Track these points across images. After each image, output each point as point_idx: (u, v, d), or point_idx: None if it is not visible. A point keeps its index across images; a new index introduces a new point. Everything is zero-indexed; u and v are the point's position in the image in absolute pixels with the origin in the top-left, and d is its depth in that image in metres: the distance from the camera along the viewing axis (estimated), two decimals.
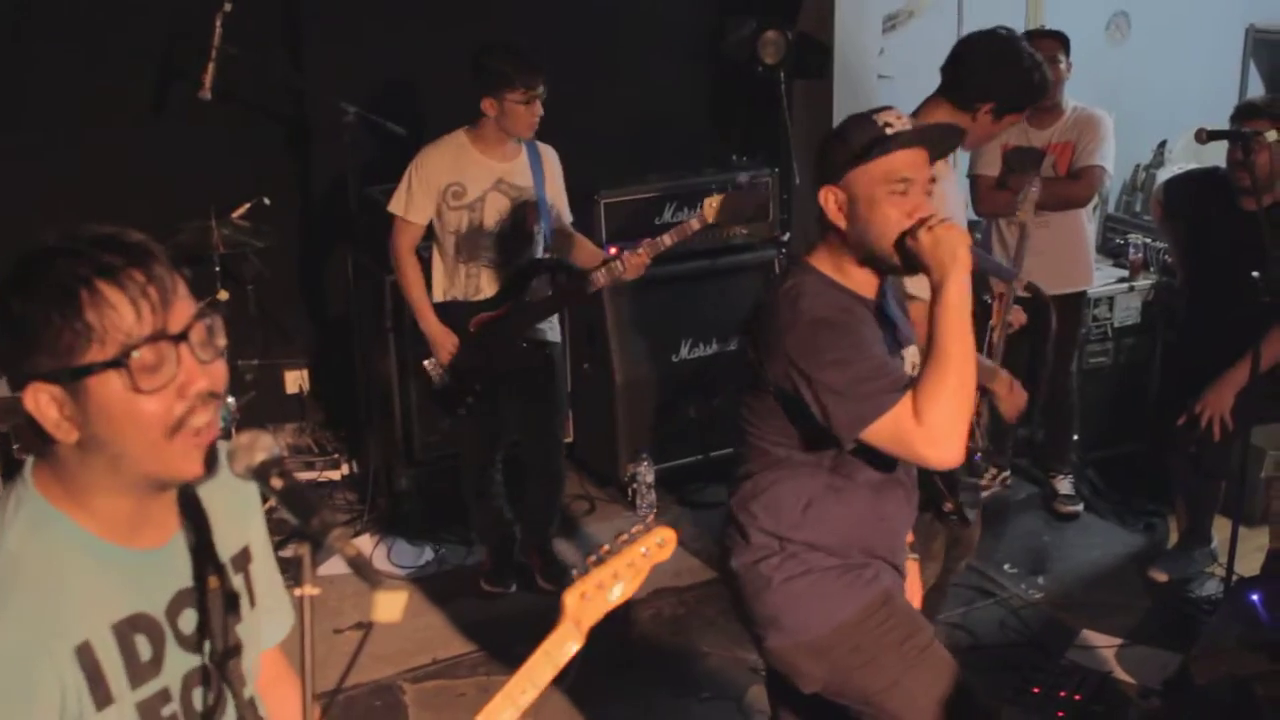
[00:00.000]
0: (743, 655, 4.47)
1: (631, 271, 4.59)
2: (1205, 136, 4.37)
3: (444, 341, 4.74)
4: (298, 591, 1.59)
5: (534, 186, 4.79)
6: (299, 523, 1.59)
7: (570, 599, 2.24)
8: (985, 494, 5.58)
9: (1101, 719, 4.29)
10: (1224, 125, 4.68)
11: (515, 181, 4.76)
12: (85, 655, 1.64)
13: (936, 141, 2.86)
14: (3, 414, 4.42)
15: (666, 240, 4.59)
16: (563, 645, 2.22)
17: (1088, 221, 5.59)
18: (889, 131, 2.72)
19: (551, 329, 4.94)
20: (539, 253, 4.86)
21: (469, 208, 4.71)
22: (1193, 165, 6.35)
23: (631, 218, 5.45)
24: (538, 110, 4.64)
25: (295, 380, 5.90)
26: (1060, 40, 5.39)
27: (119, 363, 1.58)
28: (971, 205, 5.43)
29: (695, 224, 4.56)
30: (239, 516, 1.92)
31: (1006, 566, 5.25)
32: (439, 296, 4.82)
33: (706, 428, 5.75)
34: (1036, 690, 4.35)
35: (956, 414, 2.62)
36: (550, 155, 4.87)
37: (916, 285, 3.53)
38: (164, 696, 1.75)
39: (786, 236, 6.10)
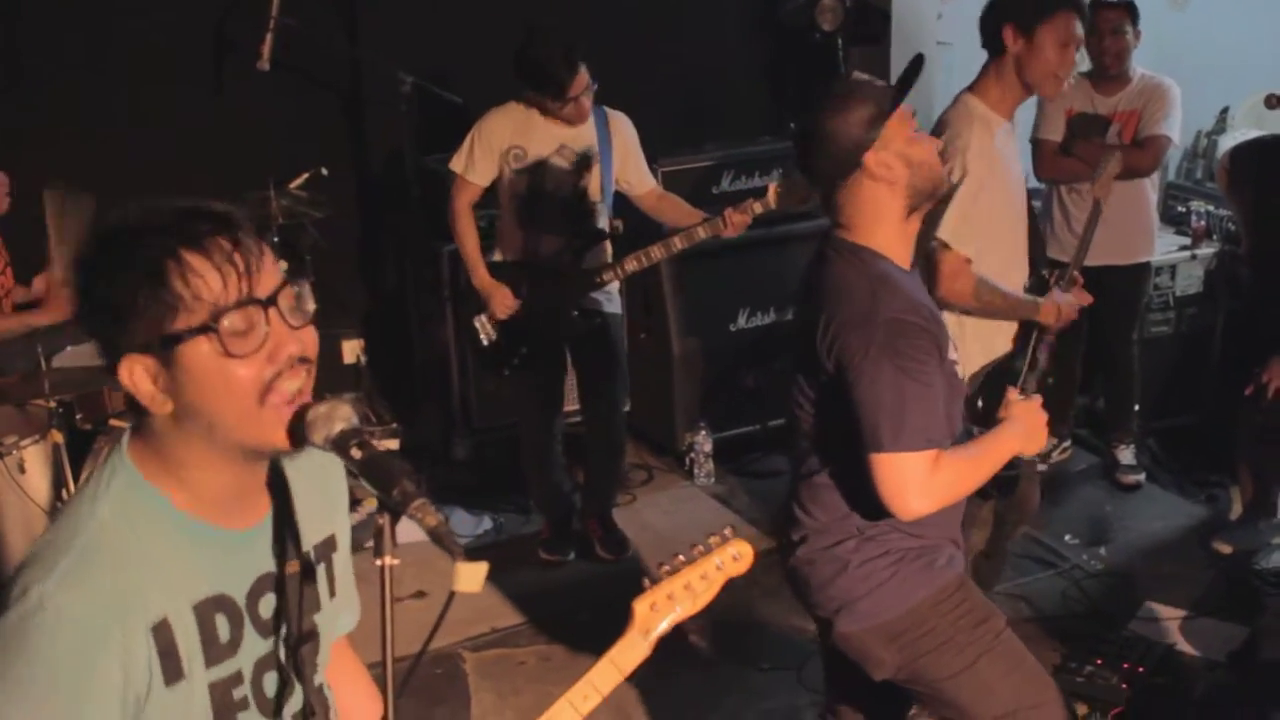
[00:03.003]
0: (802, 625, 4.45)
1: (733, 229, 4.60)
2: (1275, 101, 4.31)
3: (497, 295, 4.74)
4: (379, 561, 1.60)
5: (599, 154, 4.77)
6: (379, 494, 1.59)
7: (640, 608, 2.23)
8: (1042, 466, 5.57)
9: (1166, 691, 4.25)
10: None
11: (577, 147, 4.74)
12: (161, 633, 1.64)
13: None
14: (67, 385, 4.45)
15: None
16: (629, 653, 2.22)
17: (1151, 191, 5.49)
18: (879, 83, 2.82)
19: (609, 300, 4.91)
20: (601, 222, 4.85)
21: (529, 171, 4.70)
22: (1255, 132, 6.26)
23: (690, 186, 5.42)
24: (585, 104, 4.64)
25: (352, 350, 5.88)
26: (1126, 10, 5.29)
27: (208, 328, 1.58)
28: (1033, 170, 5.36)
29: (758, 207, 4.57)
30: (327, 505, 1.90)
31: (1067, 537, 5.20)
32: (496, 256, 4.83)
33: (764, 397, 5.73)
34: (1100, 661, 4.30)
35: (959, 490, 2.78)
36: (619, 121, 4.83)
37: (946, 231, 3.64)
38: (236, 679, 1.74)
39: None
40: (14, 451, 4.36)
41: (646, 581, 2.25)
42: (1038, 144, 5.39)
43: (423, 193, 5.47)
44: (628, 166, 4.86)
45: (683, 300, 5.70)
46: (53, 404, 4.37)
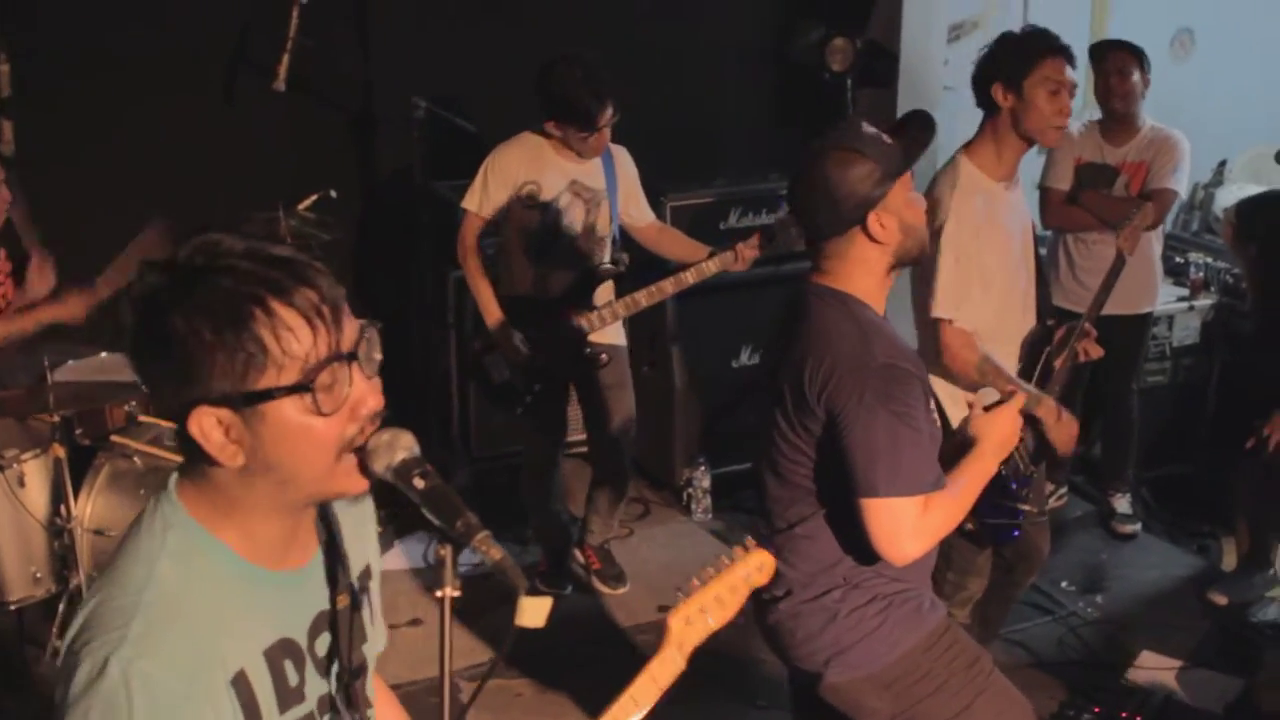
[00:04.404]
0: None
1: (741, 263, 4.64)
2: None
3: (509, 337, 4.69)
4: (439, 593, 1.60)
5: (605, 189, 4.77)
6: (443, 525, 1.57)
7: (675, 623, 2.28)
8: (1035, 515, 5.57)
9: None
10: None
11: (588, 183, 4.73)
12: (241, 685, 1.59)
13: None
14: (69, 400, 4.40)
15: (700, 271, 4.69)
16: (667, 668, 2.26)
17: (1156, 243, 5.50)
18: (888, 140, 2.80)
19: (616, 332, 4.91)
20: (608, 257, 4.84)
21: (542, 208, 4.68)
22: (1253, 185, 6.33)
23: (697, 221, 5.43)
24: (605, 136, 4.61)
25: None
26: (1132, 53, 5.28)
27: (304, 387, 1.52)
28: (1040, 218, 5.38)
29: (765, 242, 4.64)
30: (361, 534, 1.86)
31: (1064, 584, 5.21)
32: (504, 292, 4.77)
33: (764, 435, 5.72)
34: (1098, 710, 4.33)
35: (949, 526, 2.78)
36: (623, 156, 4.83)
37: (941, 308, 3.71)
38: None
39: None
40: (14, 465, 4.31)
41: (679, 595, 2.32)
42: (1045, 192, 5.42)
43: (431, 218, 5.46)
44: (631, 201, 4.87)
45: (686, 335, 5.70)
46: (55, 418, 4.33)
